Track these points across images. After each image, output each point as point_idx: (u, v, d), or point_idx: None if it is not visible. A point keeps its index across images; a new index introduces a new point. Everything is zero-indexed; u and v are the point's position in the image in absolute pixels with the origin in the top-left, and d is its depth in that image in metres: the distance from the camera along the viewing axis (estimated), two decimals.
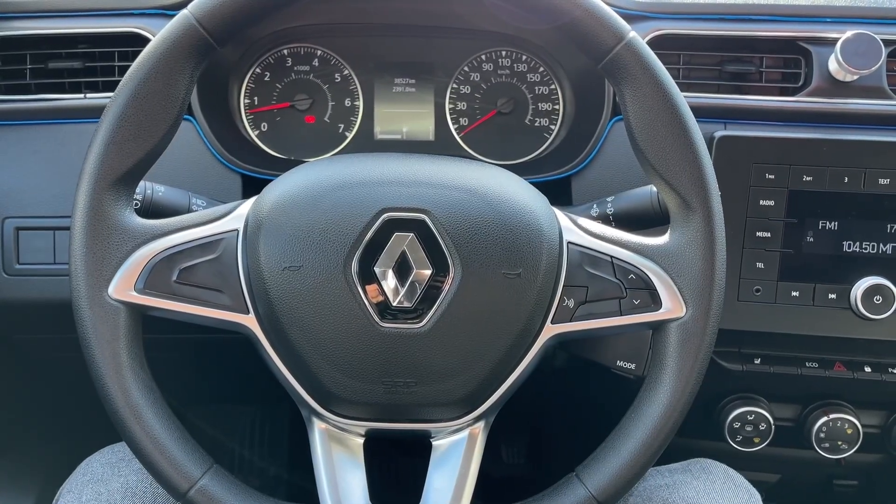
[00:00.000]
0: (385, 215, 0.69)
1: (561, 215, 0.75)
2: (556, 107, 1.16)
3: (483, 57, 1.15)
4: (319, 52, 1.15)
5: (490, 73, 1.16)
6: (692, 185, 0.72)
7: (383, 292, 0.69)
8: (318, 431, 0.76)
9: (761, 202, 0.98)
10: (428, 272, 0.69)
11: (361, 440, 0.77)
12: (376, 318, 0.69)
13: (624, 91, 0.73)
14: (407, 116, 1.16)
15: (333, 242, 0.69)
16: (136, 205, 0.84)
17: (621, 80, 0.72)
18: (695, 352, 0.72)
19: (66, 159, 1.02)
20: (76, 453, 0.98)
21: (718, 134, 0.99)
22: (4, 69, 1.05)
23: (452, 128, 1.16)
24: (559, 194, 1.04)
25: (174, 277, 0.71)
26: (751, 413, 1.11)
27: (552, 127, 1.16)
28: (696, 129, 0.72)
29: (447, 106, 1.16)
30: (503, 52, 1.16)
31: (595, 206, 0.91)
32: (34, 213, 1.01)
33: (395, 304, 0.69)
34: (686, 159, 0.72)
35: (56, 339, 1.06)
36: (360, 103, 1.16)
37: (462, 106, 1.16)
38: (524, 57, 1.16)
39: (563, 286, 0.72)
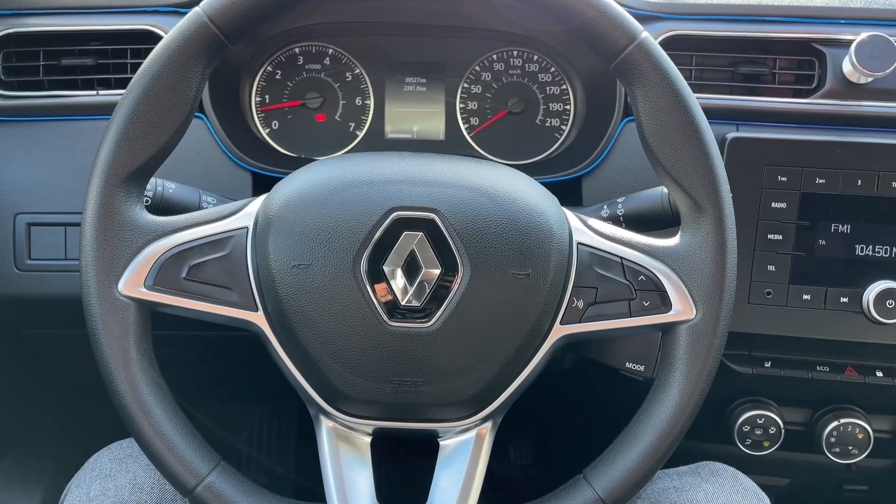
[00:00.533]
0: (394, 214, 0.69)
1: (571, 216, 0.75)
2: (568, 107, 1.15)
3: (494, 57, 1.15)
4: (331, 51, 1.15)
5: (501, 73, 1.15)
6: (703, 186, 0.71)
7: (392, 291, 0.69)
8: (326, 430, 0.75)
9: (773, 204, 0.98)
10: (437, 271, 0.69)
11: (369, 439, 0.76)
12: (385, 317, 0.69)
13: (636, 92, 0.72)
14: (417, 116, 1.16)
15: (343, 241, 0.69)
16: (147, 201, 0.85)
17: (633, 80, 0.72)
18: (704, 354, 0.72)
19: (77, 155, 1.02)
20: (84, 449, 0.99)
21: (730, 135, 0.99)
22: (18, 65, 1.06)
23: (463, 127, 1.16)
24: (569, 195, 1.04)
25: (183, 274, 0.71)
26: (760, 417, 1.10)
27: (563, 127, 1.15)
28: (707, 131, 0.72)
29: (458, 105, 1.16)
30: (514, 52, 1.15)
31: (605, 206, 0.91)
32: (45, 208, 1.02)
33: (403, 303, 0.69)
34: (697, 161, 0.71)
35: (66, 334, 1.07)
36: (371, 102, 1.15)
37: (473, 105, 1.16)
38: (535, 57, 1.15)
39: (573, 287, 0.72)
